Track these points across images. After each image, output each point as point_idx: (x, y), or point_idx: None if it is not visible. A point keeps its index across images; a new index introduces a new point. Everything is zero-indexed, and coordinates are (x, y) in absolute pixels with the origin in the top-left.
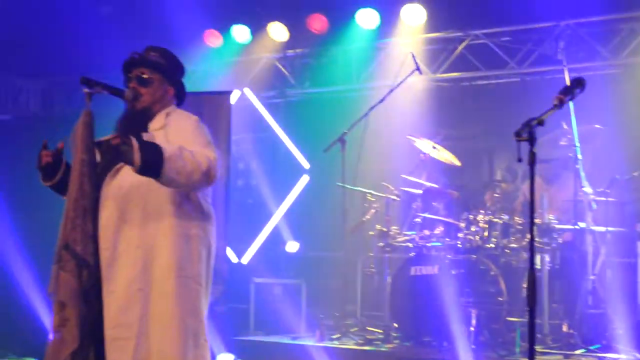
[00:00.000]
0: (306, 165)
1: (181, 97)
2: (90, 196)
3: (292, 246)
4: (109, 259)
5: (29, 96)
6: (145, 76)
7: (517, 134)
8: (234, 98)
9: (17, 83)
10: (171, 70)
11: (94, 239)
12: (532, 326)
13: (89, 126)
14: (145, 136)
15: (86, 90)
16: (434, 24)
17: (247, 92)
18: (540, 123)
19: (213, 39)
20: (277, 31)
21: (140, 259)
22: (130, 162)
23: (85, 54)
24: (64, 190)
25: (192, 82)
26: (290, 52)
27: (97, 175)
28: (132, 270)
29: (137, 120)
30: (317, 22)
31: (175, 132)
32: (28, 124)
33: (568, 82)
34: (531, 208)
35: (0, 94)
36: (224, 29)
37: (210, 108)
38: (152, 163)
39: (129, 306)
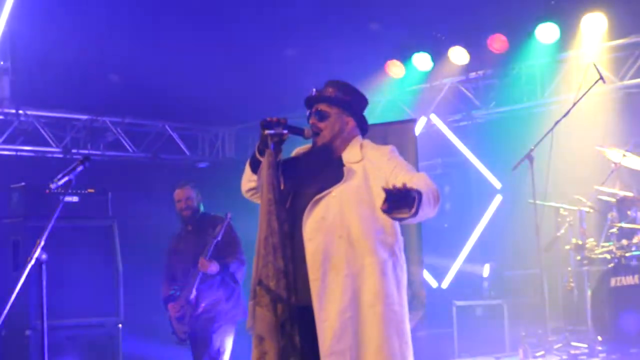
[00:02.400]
0: (498, 185)
1: (363, 128)
2: (278, 233)
3: (487, 270)
4: (319, 289)
5: (224, 142)
6: (322, 110)
7: None
8: (419, 125)
9: (213, 131)
10: (350, 102)
11: (286, 274)
12: None
13: (272, 166)
14: (345, 170)
15: (267, 132)
16: (616, 30)
17: (433, 117)
18: None
19: (395, 69)
20: (458, 55)
21: (349, 288)
22: (408, 208)
23: (273, 97)
24: (256, 169)
25: (377, 113)
26: (472, 74)
27: (290, 211)
28: (342, 299)
29: (328, 156)
30: (497, 42)
31: (375, 164)
32: (223, 168)
33: None
34: None
35: (199, 142)
36: (404, 59)
37: (396, 137)
38: (419, 207)
39: (342, 334)
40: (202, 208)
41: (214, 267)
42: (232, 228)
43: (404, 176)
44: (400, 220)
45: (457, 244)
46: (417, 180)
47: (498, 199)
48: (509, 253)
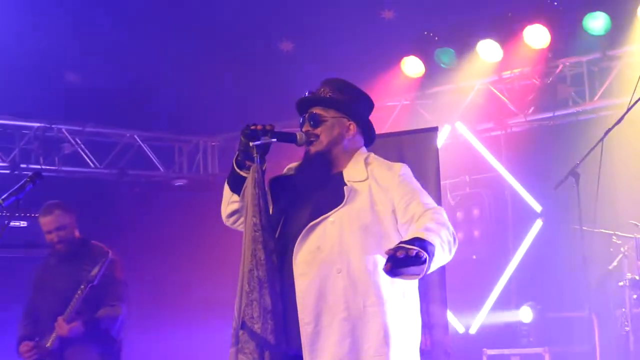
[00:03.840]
0: (537, 207)
1: (370, 137)
2: (265, 265)
3: (526, 313)
4: (312, 334)
5: (206, 155)
6: (317, 114)
7: None
8: (442, 135)
9: (192, 142)
10: (349, 103)
11: (275, 314)
12: None
13: (258, 185)
14: (347, 190)
15: (252, 143)
16: None
17: (459, 126)
18: None
19: (412, 67)
20: (489, 50)
21: (348, 334)
22: (417, 270)
23: (265, 102)
24: (237, 188)
25: (390, 121)
26: (506, 73)
27: (281, 239)
28: (339, 348)
29: (325, 170)
30: (537, 34)
31: (383, 186)
32: (205, 187)
33: None
34: None
35: (175, 155)
36: (424, 54)
37: (413, 150)
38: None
39: None
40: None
41: (76, 330)
42: (116, 267)
43: (415, 208)
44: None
45: (489, 279)
46: (429, 220)
47: (538, 225)
48: (551, 291)
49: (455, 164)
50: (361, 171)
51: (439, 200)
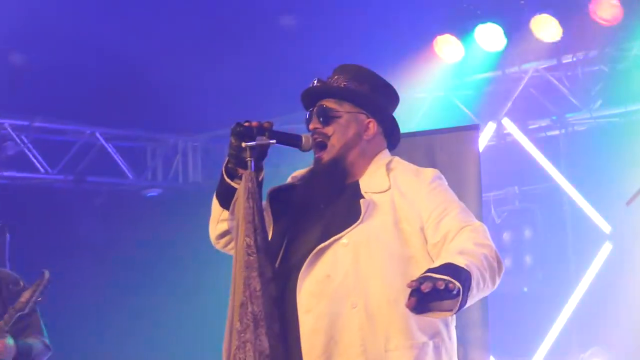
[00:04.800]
0: (606, 227)
1: (393, 138)
2: (262, 298)
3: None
4: None
5: (186, 159)
6: (328, 108)
7: None
8: (485, 135)
9: (168, 142)
10: (369, 96)
11: (273, 359)
12: None
13: (253, 197)
14: (364, 204)
15: (245, 144)
16: None
17: (507, 123)
18: None
19: (448, 49)
20: (545, 27)
21: None
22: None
23: (262, 93)
24: (228, 202)
25: (419, 116)
26: (567, 57)
27: (282, 266)
28: None
29: (337, 179)
30: (606, 9)
31: (409, 197)
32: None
33: None
34: None
35: (147, 158)
36: (463, 33)
37: (448, 153)
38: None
39: None
40: None
41: (8, 352)
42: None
43: (448, 224)
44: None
45: (544, 317)
46: (466, 239)
47: (607, 249)
48: (624, 333)
49: (501, 171)
50: (382, 179)
51: (480, 218)
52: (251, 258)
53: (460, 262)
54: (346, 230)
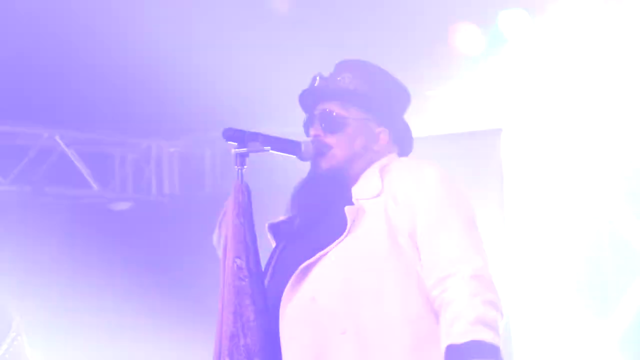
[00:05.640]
0: None
1: (405, 144)
2: (255, 330)
3: None
4: None
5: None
6: (333, 114)
7: None
8: (508, 139)
9: (139, 146)
10: (381, 99)
11: None
12: None
13: (244, 212)
14: (350, 212)
15: (235, 150)
16: None
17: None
18: None
19: (466, 39)
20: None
21: None
22: None
23: (249, 91)
24: None
25: (431, 117)
26: None
27: (270, 288)
28: None
29: (336, 191)
30: None
31: (403, 205)
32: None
33: None
34: None
35: (115, 166)
36: (483, 20)
37: (467, 158)
38: None
39: None
40: None
41: None
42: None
43: (441, 254)
44: None
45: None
46: (465, 298)
47: None
48: None
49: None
50: (374, 183)
51: (502, 236)
52: (243, 283)
53: (486, 337)
54: (333, 245)
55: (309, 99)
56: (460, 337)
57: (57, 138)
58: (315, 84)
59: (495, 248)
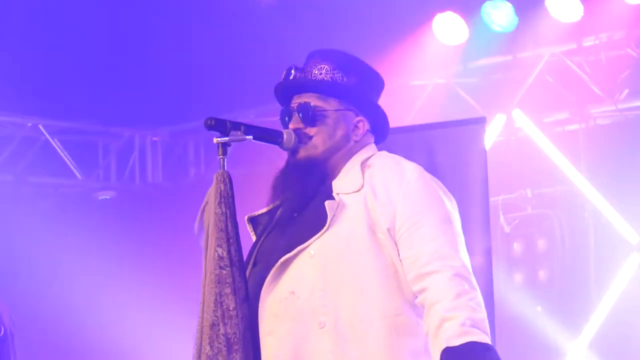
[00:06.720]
0: (634, 237)
1: (381, 132)
2: (236, 318)
3: None
4: None
5: (144, 156)
6: (310, 105)
7: None
8: (492, 129)
9: (123, 136)
10: (358, 89)
11: None
12: None
13: (226, 200)
14: (330, 207)
15: (218, 139)
16: None
17: (518, 116)
18: None
19: (449, 29)
20: (563, 4)
21: None
22: None
23: (232, 80)
24: None
25: (416, 108)
26: (588, 40)
27: (251, 282)
28: None
29: (310, 182)
30: None
31: (382, 202)
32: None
33: None
34: None
35: (99, 155)
36: (468, 10)
37: (451, 149)
38: None
39: None
40: None
41: None
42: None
43: (421, 250)
44: None
45: (561, 340)
46: (443, 276)
47: (634, 262)
48: None
49: (511, 171)
50: (355, 178)
51: (486, 226)
52: (224, 272)
53: (481, 337)
54: (312, 239)
55: (286, 92)
56: (455, 339)
57: (41, 127)
58: (291, 77)
59: (476, 240)
